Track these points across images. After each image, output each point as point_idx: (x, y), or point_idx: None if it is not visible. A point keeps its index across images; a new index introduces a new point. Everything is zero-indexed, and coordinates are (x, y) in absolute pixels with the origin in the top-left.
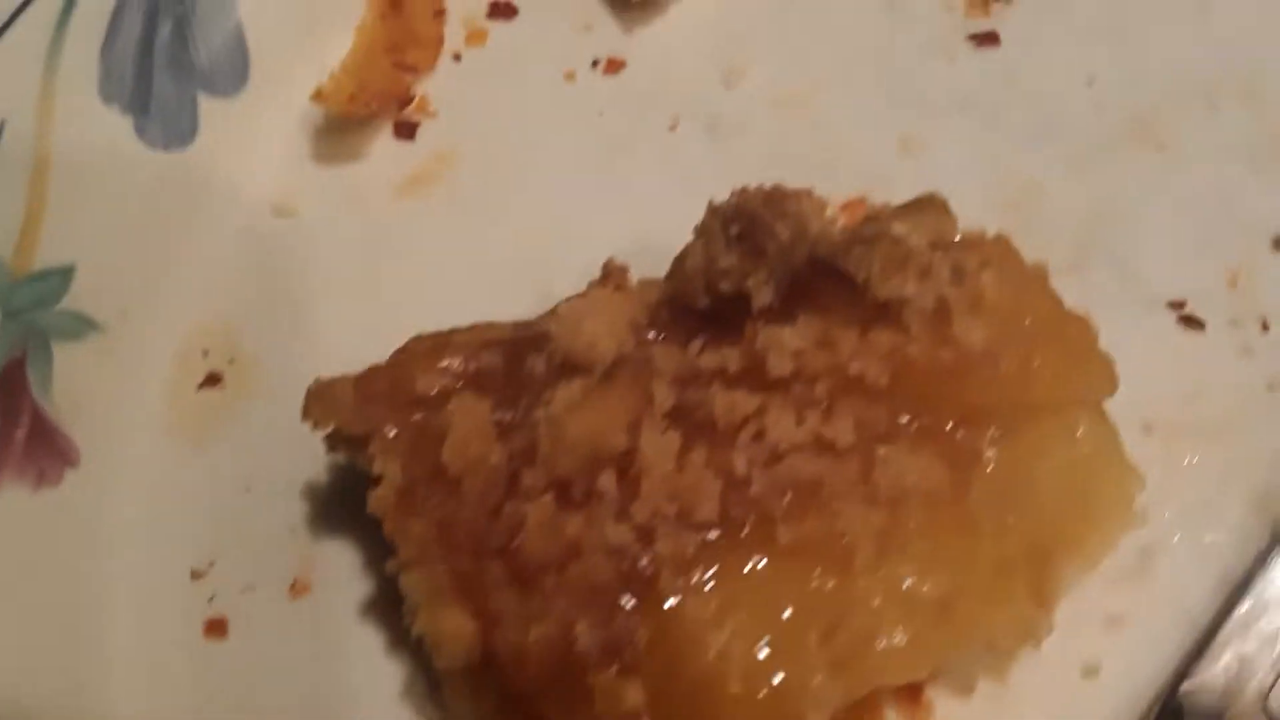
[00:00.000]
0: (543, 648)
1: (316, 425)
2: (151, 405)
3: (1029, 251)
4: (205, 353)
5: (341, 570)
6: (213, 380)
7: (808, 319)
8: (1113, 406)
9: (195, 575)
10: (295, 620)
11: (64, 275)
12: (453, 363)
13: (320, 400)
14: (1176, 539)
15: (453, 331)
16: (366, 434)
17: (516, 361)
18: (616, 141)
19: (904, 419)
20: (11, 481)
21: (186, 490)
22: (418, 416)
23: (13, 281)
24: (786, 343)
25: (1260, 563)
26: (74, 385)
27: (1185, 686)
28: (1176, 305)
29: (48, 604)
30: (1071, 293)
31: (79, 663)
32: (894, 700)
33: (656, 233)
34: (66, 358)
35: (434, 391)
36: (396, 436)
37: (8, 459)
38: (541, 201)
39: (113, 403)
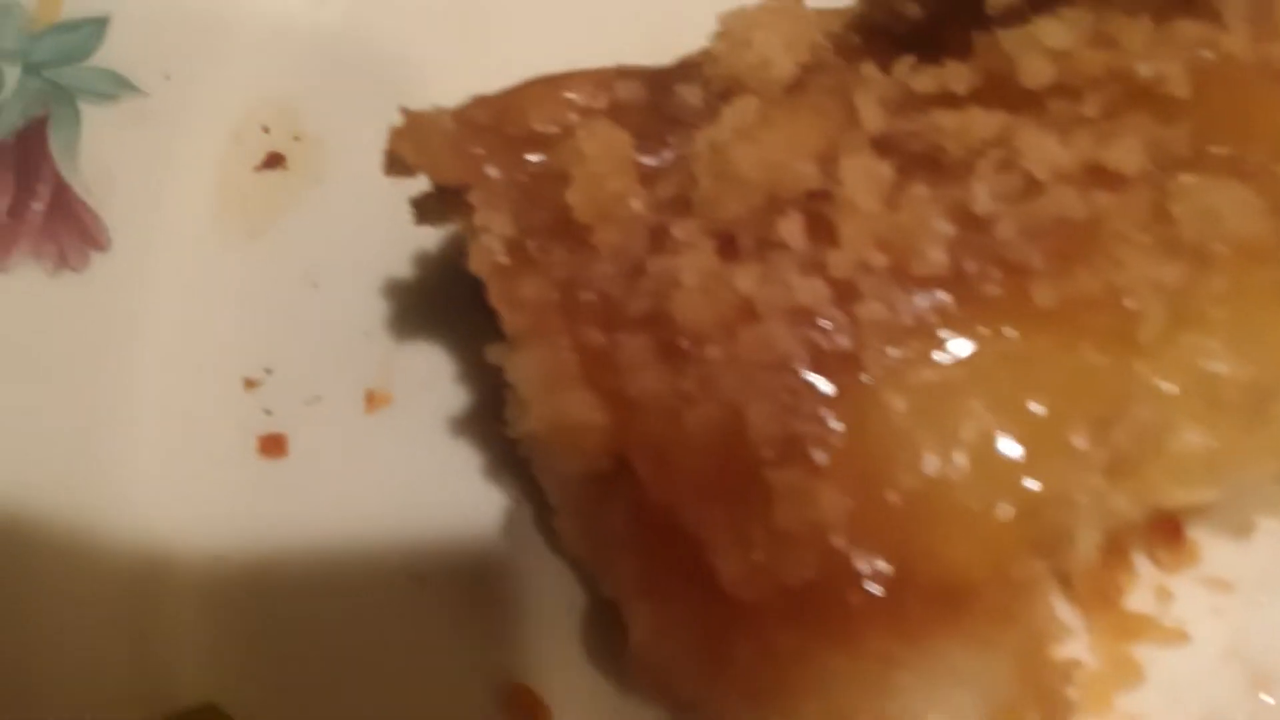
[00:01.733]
0: (701, 436)
1: (405, 170)
2: (200, 185)
3: None
4: (266, 129)
5: (428, 379)
6: (274, 160)
7: (1078, 11)
8: None
9: (249, 384)
10: (370, 438)
11: (97, 26)
12: (579, 95)
13: (410, 135)
14: None
15: (582, 71)
16: (468, 183)
17: (663, 93)
18: None
19: (1213, 147)
20: (23, 260)
21: (240, 285)
22: (534, 159)
23: (35, 31)
24: (1047, 39)
25: None
26: (105, 155)
27: None
28: None
29: (62, 409)
30: None
31: (100, 478)
32: (1147, 539)
33: None
34: (97, 122)
35: (555, 129)
36: (506, 181)
37: (21, 234)
38: None
39: (152, 179)
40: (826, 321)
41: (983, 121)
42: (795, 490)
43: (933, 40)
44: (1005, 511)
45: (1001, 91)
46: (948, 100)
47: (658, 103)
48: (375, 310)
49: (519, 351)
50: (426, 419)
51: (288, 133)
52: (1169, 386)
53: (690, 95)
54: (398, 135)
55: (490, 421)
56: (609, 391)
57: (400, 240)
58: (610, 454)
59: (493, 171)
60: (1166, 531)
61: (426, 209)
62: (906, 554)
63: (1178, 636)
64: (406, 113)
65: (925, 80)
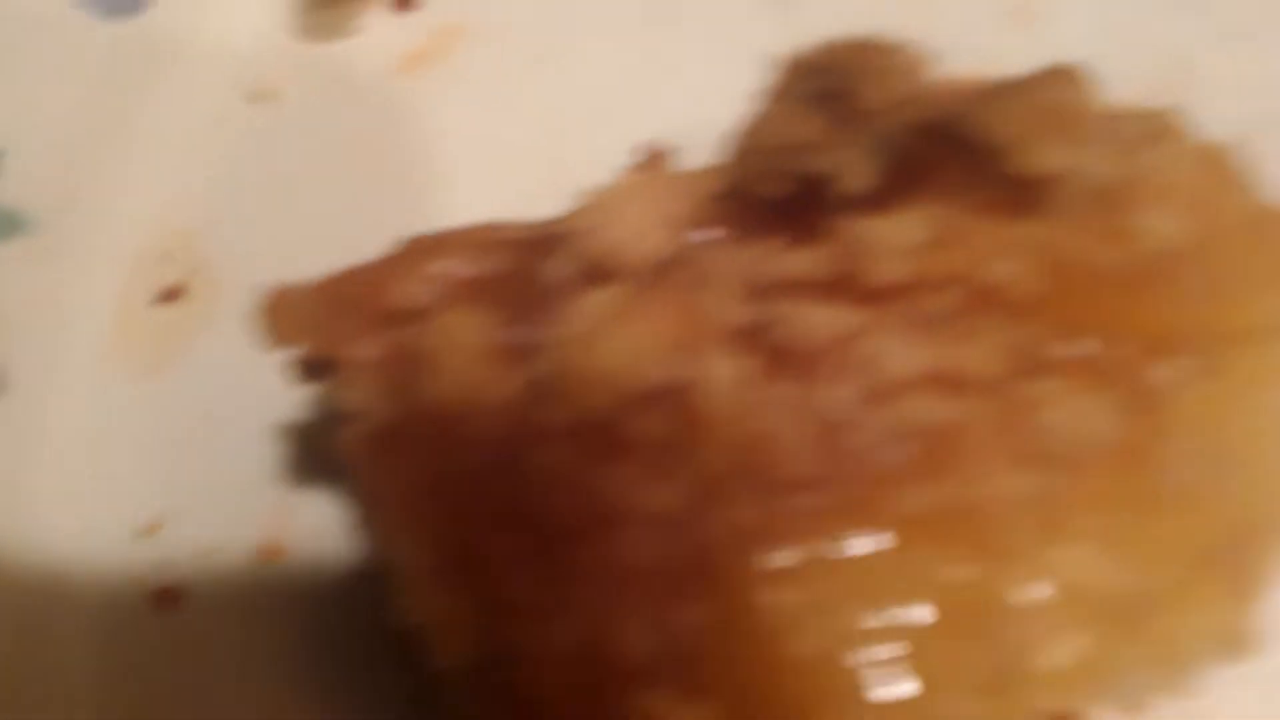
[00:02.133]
0: (568, 651)
1: (273, 344)
2: (95, 322)
3: None
4: (164, 260)
5: (323, 530)
6: (172, 294)
7: (922, 208)
8: None
9: (143, 533)
10: (264, 589)
11: None
12: (447, 266)
13: (274, 311)
14: None
15: (451, 231)
16: (335, 356)
17: (529, 267)
18: (656, 5)
19: (1070, 349)
20: None
21: (135, 428)
22: (400, 335)
23: None
24: (894, 238)
25: None
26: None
27: None
28: None
29: None
30: None
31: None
32: None
33: (706, 113)
34: None
35: (422, 302)
36: (371, 360)
37: None
38: (566, 79)
39: (47, 318)
40: (688, 526)
41: (840, 317)
42: (662, 713)
43: (796, 219)
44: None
45: (858, 285)
46: (806, 289)
47: (524, 278)
48: (272, 456)
49: (391, 542)
50: (319, 573)
51: (187, 265)
52: (1041, 597)
53: (557, 270)
54: (260, 312)
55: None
56: (482, 590)
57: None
58: (488, 649)
59: (359, 349)
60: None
61: (309, 371)
62: None
63: None
64: (271, 287)
65: (785, 263)
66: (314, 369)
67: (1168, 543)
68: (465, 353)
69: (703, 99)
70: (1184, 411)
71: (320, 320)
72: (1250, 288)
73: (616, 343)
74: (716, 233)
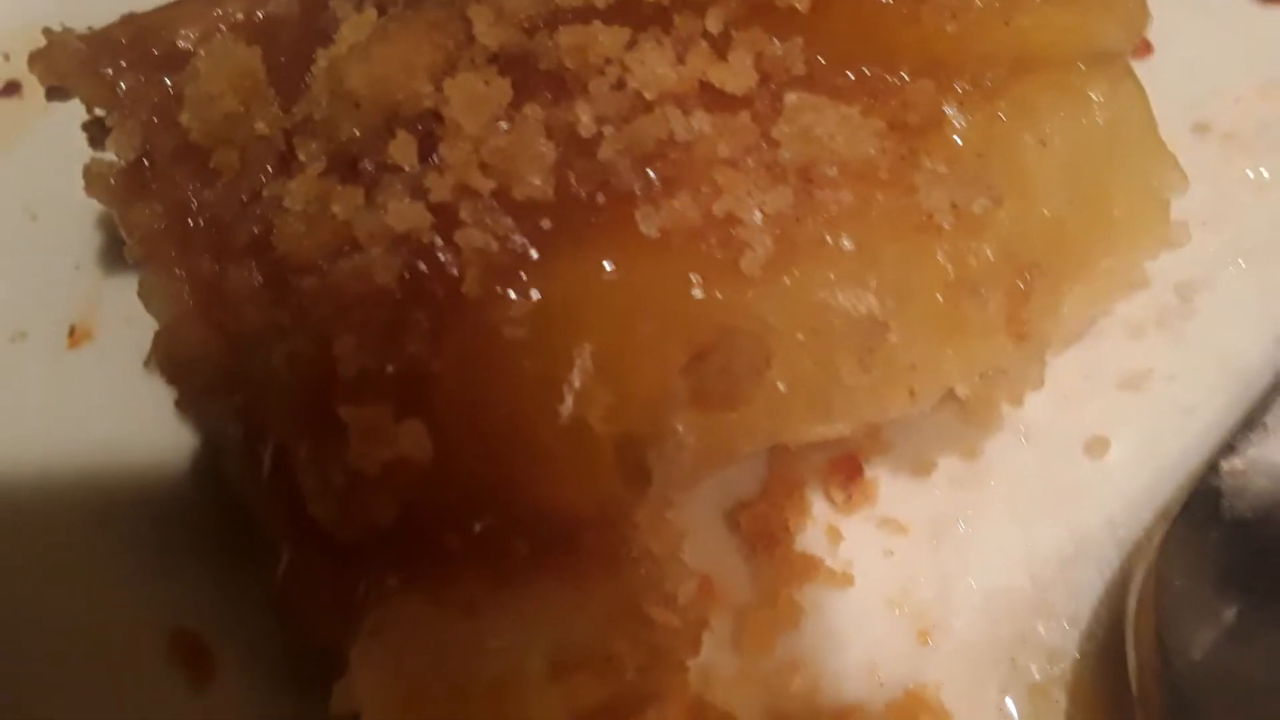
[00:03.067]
0: (290, 372)
1: (49, 92)
2: None
3: None
4: (6, 57)
5: (132, 315)
6: (11, 89)
7: None
8: (1154, 92)
9: None
10: (69, 375)
11: None
12: (230, 10)
13: (43, 57)
14: (1229, 273)
15: None
16: (105, 104)
17: (318, 7)
18: None
19: (827, 63)
20: None
21: None
22: (171, 79)
23: None
24: None
25: None
26: None
27: (1229, 464)
28: None
29: None
30: None
31: None
32: (823, 477)
33: None
34: None
35: (197, 46)
36: (137, 99)
37: None
38: None
39: None
40: (425, 248)
41: (605, 38)
42: (371, 430)
43: None
44: (602, 444)
45: (632, 6)
46: (588, 14)
47: (311, 17)
48: (90, 243)
49: (143, 283)
50: (126, 357)
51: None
52: (775, 318)
53: (341, 9)
54: (32, 57)
55: None
56: (219, 322)
57: None
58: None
59: (128, 91)
60: (844, 468)
61: (93, 133)
62: (507, 493)
63: (843, 580)
64: (45, 33)
65: None
66: (99, 130)
67: (920, 268)
68: (215, 87)
69: None
70: (947, 135)
71: (87, 59)
72: (1036, 3)
73: (369, 68)
74: None
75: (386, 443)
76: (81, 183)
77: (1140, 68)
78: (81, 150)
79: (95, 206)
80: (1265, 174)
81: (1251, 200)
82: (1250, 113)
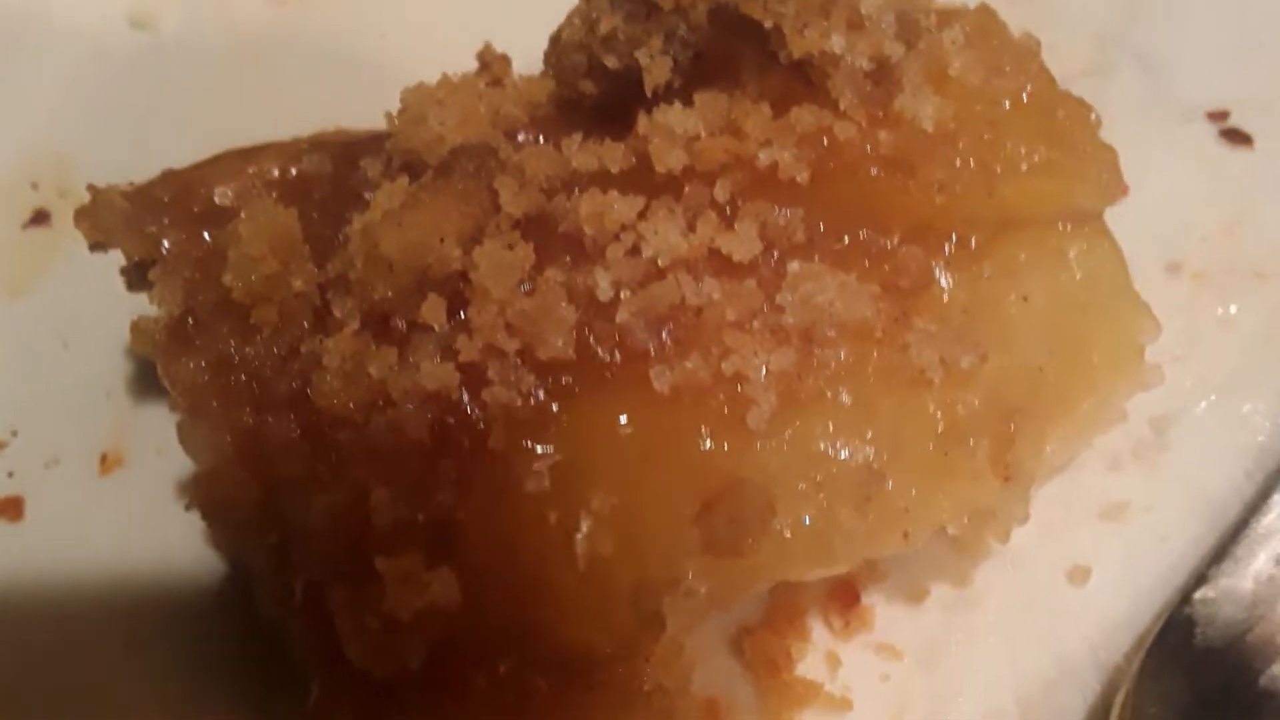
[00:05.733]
0: (328, 522)
1: (92, 246)
2: None
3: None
4: (35, 185)
5: (161, 443)
6: (40, 218)
7: (710, 98)
8: (1128, 238)
9: None
10: (102, 501)
11: None
12: (265, 168)
13: (88, 213)
14: (1201, 408)
15: (272, 142)
16: (148, 256)
17: (349, 167)
18: None
19: (827, 231)
20: None
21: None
22: (211, 235)
23: None
24: (676, 127)
25: None
26: None
27: (1201, 594)
28: (1217, 116)
29: None
30: (1090, 100)
31: None
32: (823, 604)
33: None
34: None
35: (235, 203)
36: (180, 255)
37: None
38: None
39: None
40: (454, 406)
41: (620, 206)
42: (406, 578)
43: (613, 116)
44: (619, 590)
45: (646, 174)
46: (604, 180)
47: (343, 176)
48: (119, 372)
49: (184, 429)
50: (157, 483)
51: (56, 189)
52: (779, 469)
53: (372, 170)
54: (78, 214)
55: None
56: (260, 472)
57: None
58: (276, 530)
59: (171, 248)
60: (842, 596)
61: (133, 279)
62: (530, 634)
63: (842, 704)
64: (90, 189)
65: (586, 157)
66: (139, 277)
67: (913, 420)
68: (256, 247)
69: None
70: (936, 296)
71: (131, 217)
72: (1024, 174)
73: (401, 232)
74: (537, 135)
75: (420, 591)
76: (111, 311)
77: (1118, 207)
78: (111, 277)
79: (125, 335)
80: (1233, 310)
81: (1221, 336)
82: (1216, 252)
